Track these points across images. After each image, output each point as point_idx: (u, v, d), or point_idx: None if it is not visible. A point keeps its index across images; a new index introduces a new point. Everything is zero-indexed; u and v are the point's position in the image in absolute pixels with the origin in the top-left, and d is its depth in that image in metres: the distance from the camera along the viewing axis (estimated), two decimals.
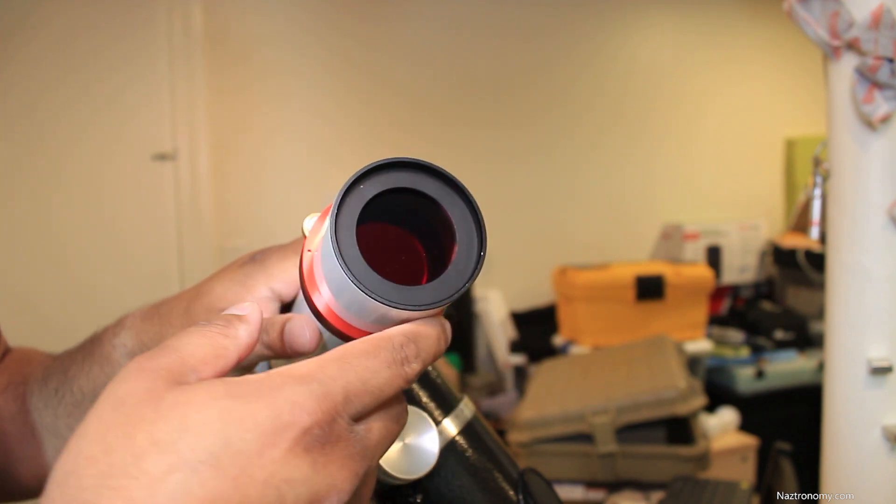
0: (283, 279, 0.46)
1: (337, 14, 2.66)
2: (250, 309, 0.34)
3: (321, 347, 0.39)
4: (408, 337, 0.33)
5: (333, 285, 0.34)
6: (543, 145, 2.97)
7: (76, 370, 0.53)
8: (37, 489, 0.56)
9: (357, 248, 0.33)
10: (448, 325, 0.36)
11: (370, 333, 0.36)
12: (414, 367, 0.33)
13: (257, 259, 0.47)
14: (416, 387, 0.46)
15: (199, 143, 2.45)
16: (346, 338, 0.36)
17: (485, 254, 0.35)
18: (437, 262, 0.36)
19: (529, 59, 2.95)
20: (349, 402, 0.30)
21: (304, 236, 0.38)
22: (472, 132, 2.85)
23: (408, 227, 0.38)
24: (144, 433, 0.26)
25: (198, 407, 0.27)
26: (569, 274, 2.41)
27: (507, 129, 2.92)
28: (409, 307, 0.32)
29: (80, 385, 0.53)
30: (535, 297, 2.85)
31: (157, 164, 2.41)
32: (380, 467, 0.40)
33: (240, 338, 0.33)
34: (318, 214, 0.38)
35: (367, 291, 0.32)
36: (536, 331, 2.67)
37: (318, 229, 0.37)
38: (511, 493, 0.45)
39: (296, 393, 0.28)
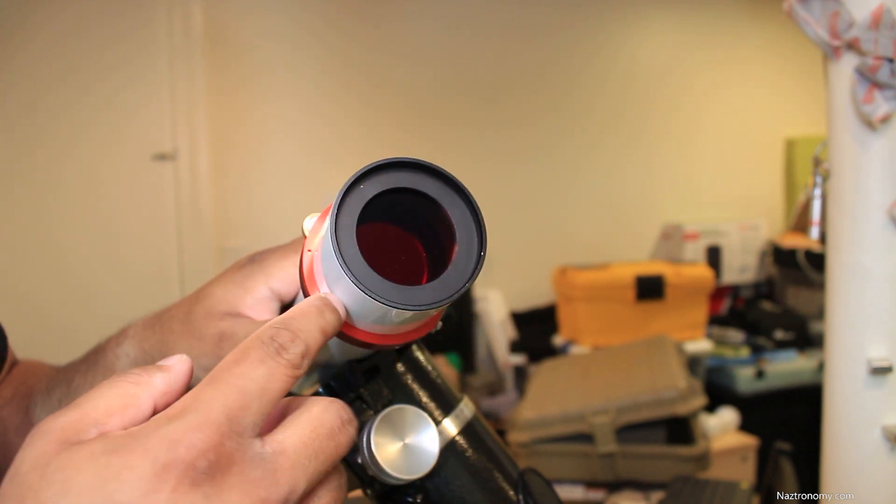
0: (282, 279, 0.46)
1: (337, 14, 2.66)
2: (177, 360, 0.33)
3: (322, 348, 0.39)
4: (277, 326, 0.31)
5: (334, 285, 0.34)
6: (544, 145, 2.97)
7: (80, 380, 0.53)
8: None
9: (357, 248, 0.33)
10: (331, 296, 0.34)
11: (371, 333, 0.36)
12: (295, 352, 0.31)
13: (256, 260, 0.47)
14: (416, 387, 0.46)
15: (198, 142, 2.44)
16: (347, 338, 0.36)
17: (485, 254, 0.35)
18: (437, 262, 0.36)
19: (529, 59, 2.95)
20: (234, 419, 0.28)
21: (304, 236, 0.38)
22: (472, 132, 2.85)
23: (408, 227, 0.37)
24: (30, 501, 0.26)
25: (77, 468, 0.26)
26: (569, 274, 2.41)
27: (507, 129, 2.92)
28: (410, 307, 0.32)
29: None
30: (535, 297, 2.85)
31: (157, 164, 2.41)
32: (380, 467, 0.40)
33: (153, 385, 0.31)
34: (318, 215, 0.38)
35: (367, 291, 0.32)
36: (536, 331, 2.67)
37: (318, 229, 0.37)
38: (511, 493, 0.45)
39: (170, 431, 0.27)
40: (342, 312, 0.34)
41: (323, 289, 0.35)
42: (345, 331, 0.35)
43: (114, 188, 2.37)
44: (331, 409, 0.32)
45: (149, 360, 0.50)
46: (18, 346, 0.64)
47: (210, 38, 2.45)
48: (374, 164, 0.34)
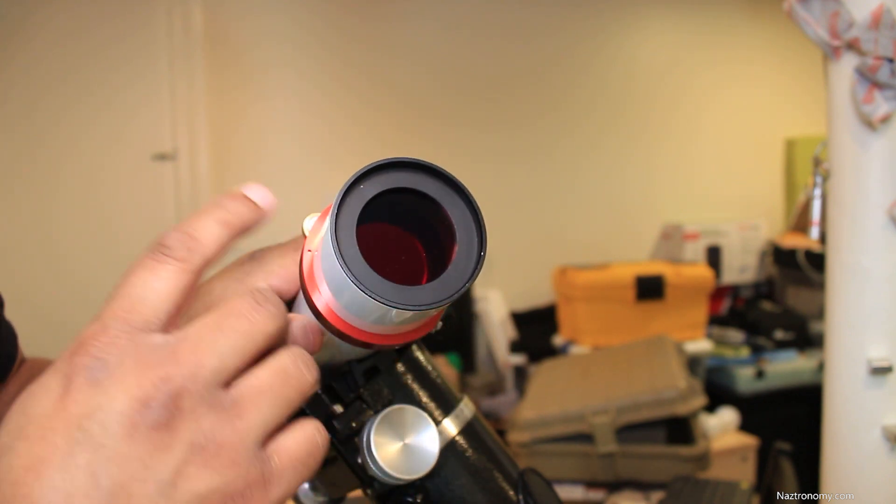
0: (281, 276, 0.46)
1: (337, 14, 2.66)
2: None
3: (323, 348, 0.39)
4: (173, 234, 0.32)
5: (333, 285, 0.34)
6: (544, 145, 2.97)
7: None
8: None
9: (357, 247, 0.33)
10: (226, 203, 0.35)
11: (371, 333, 0.36)
12: (180, 247, 0.32)
13: (256, 257, 0.47)
14: (416, 387, 0.46)
15: (199, 143, 2.44)
16: (345, 338, 0.36)
17: (485, 254, 0.34)
18: (437, 262, 0.36)
19: (529, 59, 2.95)
20: (123, 319, 0.30)
21: (304, 236, 0.38)
22: (472, 132, 2.85)
23: (408, 228, 0.37)
24: None
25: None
26: (569, 274, 2.41)
27: (507, 130, 2.91)
28: (410, 307, 0.32)
29: None
30: (535, 297, 2.85)
31: (157, 164, 2.41)
32: (380, 467, 0.40)
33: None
34: (318, 215, 0.38)
35: (367, 291, 0.32)
36: (536, 331, 2.67)
37: (318, 229, 0.37)
38: (511, 493, 0.45)
39: (76, 340, 0.30)
40: (263, 199, 0.35)
41: (323, 289, 0.35)
42: (345, 330, 0.35)
43: (114, 188, 2.37)
44: (244, 294, 0.32)
45: None
46: (33, 356, 0.64)
47: (210, 38, 2.45)
48: (374, 164, 0.34)
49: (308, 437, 0.32)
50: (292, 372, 0.32)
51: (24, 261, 2.26)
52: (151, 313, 0.30)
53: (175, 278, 0.31)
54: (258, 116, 2.59)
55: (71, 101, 2.29)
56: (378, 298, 0.32)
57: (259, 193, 0.35)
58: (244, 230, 0.34)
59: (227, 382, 0.30)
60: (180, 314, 0.32)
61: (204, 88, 2.43)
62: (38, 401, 0.28)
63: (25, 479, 0.27)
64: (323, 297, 0.35)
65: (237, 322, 0.31)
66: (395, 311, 0.32)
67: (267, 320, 0.31)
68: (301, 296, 0.46)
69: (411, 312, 0.33)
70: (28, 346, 0.64)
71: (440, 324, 0.39)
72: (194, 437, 0.28)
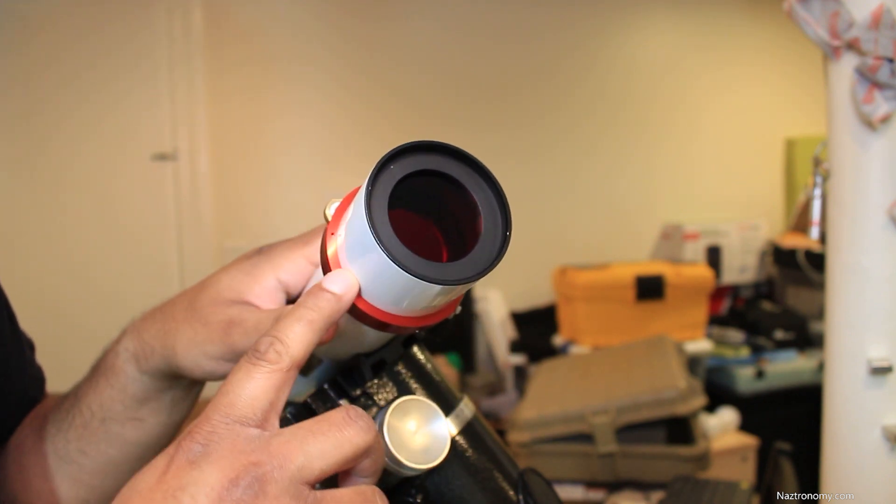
0: (290, 270, 0.46)
1: (338, 15, 2.66)
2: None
3: (336, 336, 0.40)
4: (264, 339, 0.35)
5: (360, 263, 0.35)
6: (544, 145, 2.97)
7: (85, 389, 0.53)
8: None
9: (389, 224, 0.33)
10: (309, 303, 0.37)
11: (390, 314, 0.36)
12: (270, 352, 0.35)
13: (264, 251, 0.48)
14: (416, 386, 0.46)
15: (199, 143, 2.45)
16: (366, 318, 0.36)
17: (510, 234, 0.36)
18: (457, 247, 0.37)
19: (530, 60, 2.95)
20: (225, 414, 0.33)
21: (327, 221, 0.38)
22: (473, 133, 2.85)
23: (426, 215, 0.38)
24: None
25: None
26: (569, 274, 2.41)
27: (507, 130, 2.92)
28: (441, 281, 0.33)
29: (88, 403, 0.53)
30: (535, 297, 2.85)
31: (157, 164, 2.41)
32: (394, 458, 0.40)
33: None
34: (340, 200, 0.38)
35: (402, 266, 0.32)
36: (536, 331, 2.67)
37: (341, 213, 0.37)
38: (511, 493, 0.45)
39: (187, 429, 0.34)
40: (344, 286, 0.36)
41: (349, 268, 0.35)
42: (366, 311, 0.36)
43: (114, 188, 2.37)
44: (339, 409, 0.35)
45: (148, 350, 0.50)
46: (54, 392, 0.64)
47: (210, 39, 2.45)
48: (404, 146, 0.35)
49: None
50: (370, 498, 0.35)
51: (24, 260, 2.26)
52: (248, 409, 0.34)
53: (267, 378, 0.34)
54: (258, 117, 2.59)
55: (71, 102, 2.29)
56: (411, 271, 0.32)
57: (338, 283, 0.37)
58: (330, 322, 0.36)
59: (311, 484, 0.33)
60: (274, 411, 0.35)
61: (204, 89, 2.43)
62: (145, 476, 0.33)
63: None
64: None
65: (329, 429, 0.34)
66: (423, 288, 0.33)
67: (357, 434, 0.34)
68: (310, 286, 0.46)
69: (439, 287, 0.33)
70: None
71: (459, 308, 0.40)
72: None
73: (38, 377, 0.61)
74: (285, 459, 0.32)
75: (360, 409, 0.35)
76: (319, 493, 0.33)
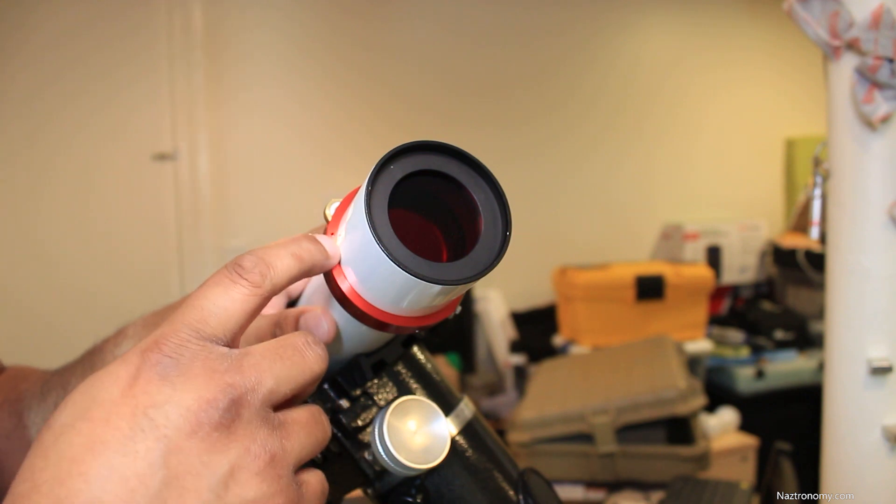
0: None
1: (337, 15, 2.66)
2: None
3: (336, 337, 0.40)
4: (246, 252, 0.34)
5: (361, 263, 0.35)
6: (545, 145, 2.97)
7: (76, 382, 0.53)
8: None
9: (390, 225, 0.33)
10: (320, 237, 0.36)
11: (391, 314, 0.36)
12: (254, 272, 0.33)
13: None
14: (416, 387, 0.46)
15: (198, 142, 2.44)
16: (366, 318, 0.36)
17: (510, 233, 0.36)
18: (457, 246, 0.37)
19: (531, 60, 2.95)
20: (196, 329, 0.32)
21: (327, 221, 0.38)
22: (473, 133, 2.85)
23: (426, 215, 0.38)
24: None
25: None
26: (569, 274, 2.41)
27: (507, 130, 2.91)
28: (441, 282, 0.33)
29: None
30: (535, 297, 2.85)
31: (157, 164, 2.41)
32: (393, 458, 0.40)
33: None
34: (340, 201, 0.38)
35: (402, 266, 0.32)
36: (536, 331, 2.67)
37: (341, 214, 0.37)
38: (511, 493, 0.45)
39: (147, 338, 0.32)
40: (331, 251, 0.36)
41: (348, 271, 0.36)
42: (367, 311, 0.36)
43: (114, 188, 2.37)
44: (298, 333, 0.35)
45: None
46: (18, 348, 0.63)
47: (210, 39, 2.45)
48: (403, 147, 0.35)
49: (323, 479, 0.35)
50: (323, 420, 0.35)
51: (23, 260, 2.26)
52: (220, 327, 0.32)
53: (245, 300, 0.33)
54: (258, 116, 2.59)
55: (71, 101, 2.29)
56: (410, 271, 0.32)
57: (328, 243, 0.36)
58: (311, 270, 0.35)
59: (276, 407, 0.32)
60: (242, 333, 0.34)
61: (204, 88, 2.43)
62: (105, 386, 0.30)
63: (84, 457, 0.28)
64: (348, 280, 0.36)
65: (293, 354, 0.33)
66: (423, 287, 0.33)
67: (317, 361, 0.34)
68: (309, 290, 0.46)
69: (439, 288, 0.33)
70: (26, 346, 0.64)
71: (459, 308, 0.40)
72: (250, 444, 0.30)
73: None
74: (257, 382, 0.31)
75: (316, 339, 0.35)
76: (281, 415, 0.32)
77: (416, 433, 0.41)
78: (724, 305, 2.94)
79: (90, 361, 0.53)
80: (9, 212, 2.25)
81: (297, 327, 0.41)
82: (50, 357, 0.70)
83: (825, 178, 0.82)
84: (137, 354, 0.30)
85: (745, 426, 2.18)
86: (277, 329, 0.42)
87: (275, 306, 0.46)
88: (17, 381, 0.60)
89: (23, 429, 0.54)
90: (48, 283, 2.28)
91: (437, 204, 0.37)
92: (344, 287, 0.36)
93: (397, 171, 0.34)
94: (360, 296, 0.36)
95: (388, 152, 0.34)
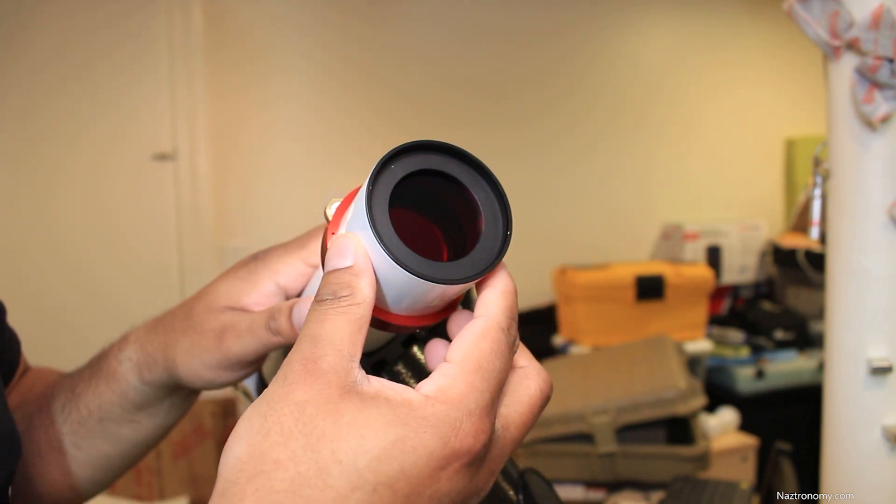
0: (287, 273, 0.46)
1: (338, 15, 2.66)
2: (351, 251, 0.34)
3: None
4: (509, 315, 0.35)
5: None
6: (545, 145, 2.97)
7: (83, 387, 0.53)
8: None
9: (390, 224, 0.33)
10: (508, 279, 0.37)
11: (393, 314, 0.36)
12: (518, 343, 0.35)
13: (259, 257, 0.48)
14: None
15: (199, 143, 2.44)
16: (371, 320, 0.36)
17: (511, 233, 0.36)
18: (457, 246, 0.37)
19: (530, 60, 2.95)
20: (494, 408, 0.32)
21: (328, 221, 0.38)
22: (472, 133, 2.85)
23: (426, 214, 0.38)
24: (328, 449, 0.29)
25: (374, 432, 0.29)
26: (569, 274, 2.41)
27: (507, 130, 2.92)
28: (444, 281, 0.33)
29: (86, 402, 0.53)
30: (535, 297, 2.85)
31: (157, 164, 2.41)
32: None
33: (365, 294, 0.33)
34: (340, 200, 0.38)
35: (402, 265, 0.32)
36: (536, 331, 2.67)
37: (342, 213, 0.37)
38: (511, 493, 0.45)
39: (458, 420, 0.31)
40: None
41: None
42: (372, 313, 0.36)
43: (114, 188, 2.37)
44: (541, 381, 0.36)
45: (151, 362, 0.50)
46: (36, 365, 0.64)
47: (210, 39, 2.45)
48: (404, 146, 0.35)
49: None
50: None
51: (23, 260, 2.26)
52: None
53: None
54: (259, 117, 2.59)
55: (71, 101, 2.29)
56: (415, 272, 0.32)
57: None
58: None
59: None
60: None
61: (204, 88, 2.43)
62: (416, 452, 0.30)
63: None
64: None
65: (537, 414, 0.37)
66: (424, 287, 0.33)
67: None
68: (309, 288, 0.46)
69: (440, 287, 0.33)
70: (27, 346, 0.64)
71: (460, 308, 0.40)
72: None
73: (13, 339, 0.61)
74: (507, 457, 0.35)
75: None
76: None
77: None
78: (724, 305, 2.94)
79: (97, 367, 0.54)
80: (11, 211, 2.25)
81: (290, 319, 0.41)
82: (48, 351, 0.70)
83: (825, 178, 0.82)
84: (451, 430, 0.31)
85: (745, 426, 2.18)
86: (272, 321, 0.43)
87: (271, 301, 0.46)
88: (35, 382, 0.60)
89: (32, 430, 0.55)
90: (49, 281, 2.28)
91: (437, 203, 0.37)
92: None
93: (398, 171, 0.34)
94: None
95: (390, 151, 0.34)
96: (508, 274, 0.36)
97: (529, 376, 0.36)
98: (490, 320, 0.34)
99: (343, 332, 0.32)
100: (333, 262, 0.34)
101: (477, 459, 0.31)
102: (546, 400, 0.36)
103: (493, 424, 0.32)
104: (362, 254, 0.33)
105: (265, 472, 0.28)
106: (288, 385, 0.30)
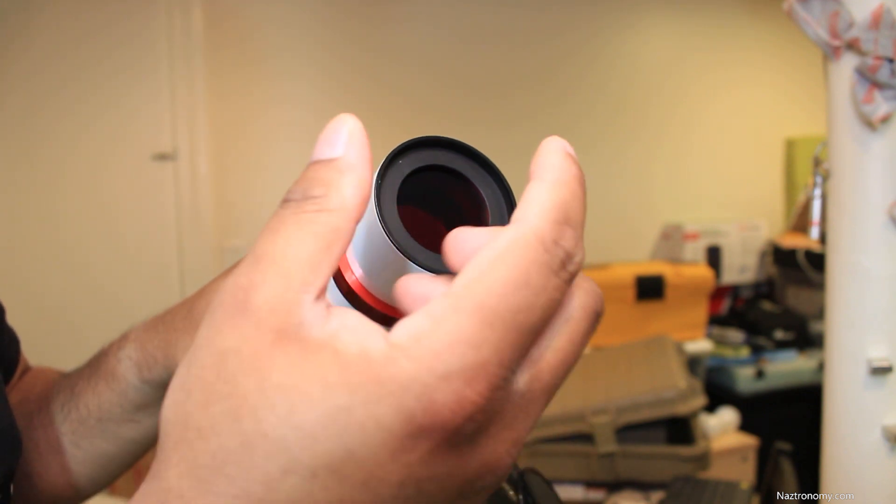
0: None
1: (338, 15, 2.66)
2: (343, 139, 0.25)
3: None
4: (559, 219, 0.24)
5: (373, 259, 0.35)
6: None
7: (83, 386, 0.53)
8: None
9: (399, 218, 0.33)
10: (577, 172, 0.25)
11: (397, 309, 0.36)
12: (577, 262, 0.24)
13: None
14: None
15: (199, 143, 2.44)
16: (373, 313, 0.36)
17: None
18: None
19: (530, 60, 2.95)
20: (507, 366, 0.22)
21: None
22: (472, 132, 2.85)
23: (431, 210, 0.38)
24: (252, 419, 0.21)
25: (308, 399, 0.21)
26: None
27: (507, 130, 2.92)
28: (452, 275, 0.33)
29: (86, 401, 0.53)
30: None
31: (157, 164, 2.41)
32: None
33: (345, 199, 0.24)
34: None
35: (413, 258, 0.32)
36: None
37: None
38: (511, 492, 0.45)
39: (429, 386, 0.21)
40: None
41: (354, 265, 0.36)
42: (374, 305, 0.36)
43: (114, 188, 2.37)
44: (584, 293, 0.25)
45: (151, 361, 0.50)
46: (37, 365, 0.64)
47: (210, 39, 2.45)
48: (411, 142, 0.35)
49: None
50: None
51: (23, 260, 2.26)
52: (529, 346, 0.25)
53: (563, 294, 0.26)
54: (259, 116, 2.59)
55: (71, 102, 2.29)
56: (423, 265, 0.32)
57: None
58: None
59: None
60: None
61: (204, 88, 2.43)
62: (370, 437, 0.22)
63: None
64: (354, 273, 0.36)
65: (579, 353, 0.26)
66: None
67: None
68: None
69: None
70: (26, 346, 0.64)
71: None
72: None
73: (12, 339, 0.61)
74: (537, 418, 0.26)
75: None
76: None
77: None
78: (724, 305, 2.94)
79: (96, 365, 0.54)
80: (10, 212, 2.25)
81: None
82: (48, 351, 0.70)
83: (825, 178, 0.82)
84: (422, 401, 0.21)
85: (745, 426, 2.18)
86: None
87: None
88: (36, 381, 0.60)
89: (31, 429, 0.55)
90: (49, 281, 2.28)
91: (442, 199, 0.38)
92: (350, 280, 0.36)
93: (405, 166, 0.35)
94: (365, 289, 0.36)
95: (398, 146, 0.35)
96: (571, 158, 0.25)
97: (573, 308, 0.25)
98: (523, 228, 0.24)
99: (299, 250, 0.23)
100: (317, 150, 0.25)
101: (461, 436, 0.21)
102: (594, 319, 0.25)
103: (499, 387, 0.22)
104: (357, 146, 0.25)
105: (188, 441, 0.22)
106: (213, 325, 0.22)
